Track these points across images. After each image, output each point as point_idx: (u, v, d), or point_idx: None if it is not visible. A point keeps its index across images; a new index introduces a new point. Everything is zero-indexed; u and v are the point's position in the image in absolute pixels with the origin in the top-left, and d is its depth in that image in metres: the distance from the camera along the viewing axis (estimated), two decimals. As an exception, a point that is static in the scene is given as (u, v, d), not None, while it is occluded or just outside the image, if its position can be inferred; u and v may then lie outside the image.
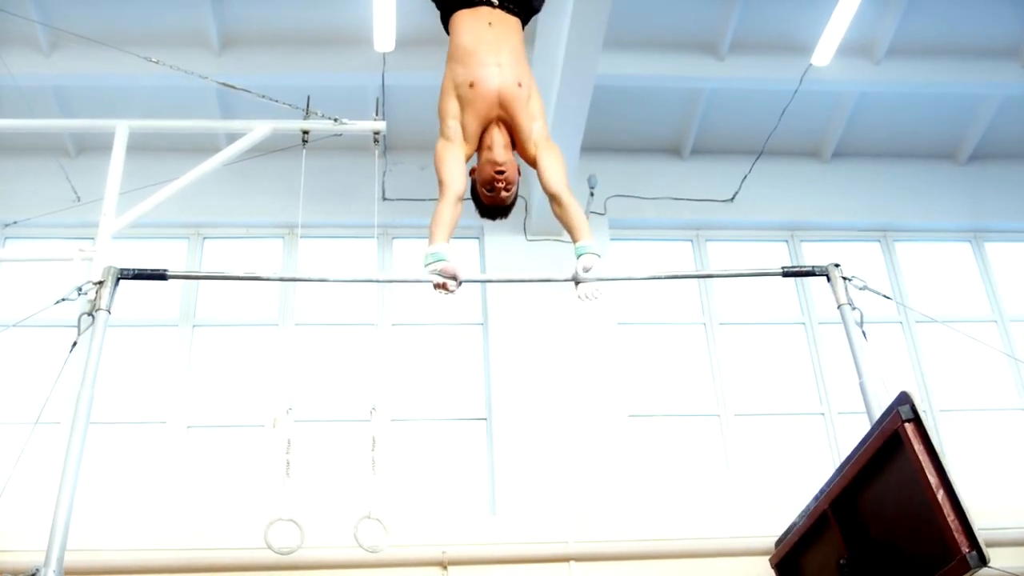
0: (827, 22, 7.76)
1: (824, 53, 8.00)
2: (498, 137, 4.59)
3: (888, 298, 4.83)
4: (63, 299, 4.63)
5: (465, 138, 4.67)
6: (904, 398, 3.67)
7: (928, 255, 9.29)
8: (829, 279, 4.73)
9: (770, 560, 5.43)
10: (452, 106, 4.71)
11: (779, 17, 8.33)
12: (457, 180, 4.58)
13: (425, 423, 8.04)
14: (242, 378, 8.15)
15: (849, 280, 4.70)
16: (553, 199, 4.61)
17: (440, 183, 4.65)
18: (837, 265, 4.77)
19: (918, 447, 3.53)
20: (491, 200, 4.66)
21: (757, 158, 8.98)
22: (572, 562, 7.18)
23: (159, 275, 4.78)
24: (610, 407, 8.00)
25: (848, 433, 8.01)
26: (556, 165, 4.64)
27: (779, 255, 9.11)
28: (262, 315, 8.47)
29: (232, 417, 7.96)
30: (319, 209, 8.48)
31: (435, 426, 8.04)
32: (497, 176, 4.56)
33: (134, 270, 4.70)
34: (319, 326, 8.45)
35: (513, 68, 4.65)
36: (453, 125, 4.69)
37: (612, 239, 8.84)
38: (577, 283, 4.49)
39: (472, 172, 4.73)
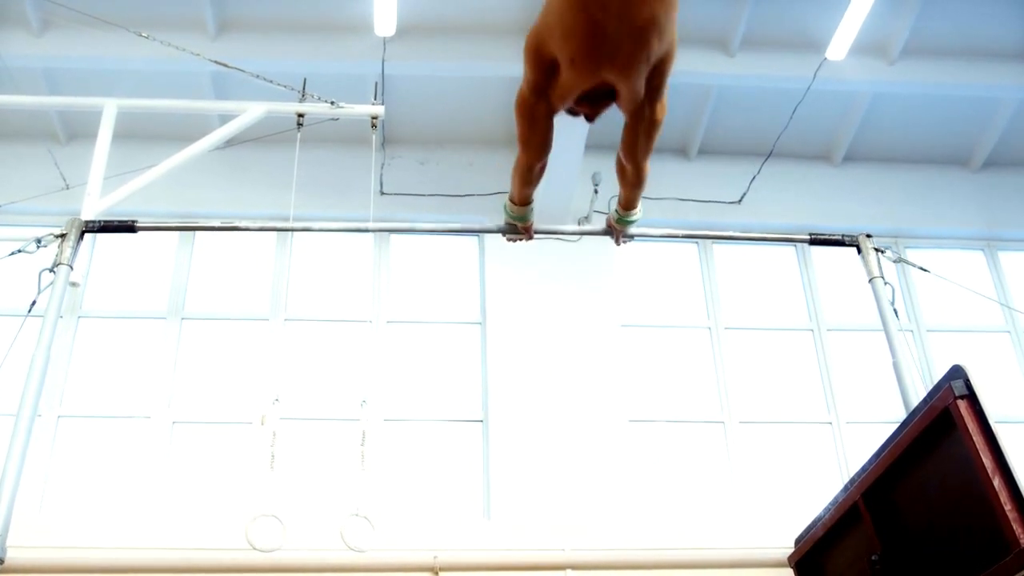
0: (841, 20, 7.59)
1: (838, 49, 7.82)
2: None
3: (925, 270, 4.51)
4: (19, 251, 4.30)
5: (555, 97, 3.63)
6: (957, 372, 3.35)
7: (940, 263, 9.00)
8: (860, 250, 4.40)
9: (789, 559, 5.13)
10: (543, 60, 3.51)
11: (792, 14, 8.16)
12: (541, 150, 3.96)
13: (420, 424, 7.79)
14: (231, 374, 7.91)
15: (882, 252, 4.36)
16: (621, 162, 4.13)
17: (522, 143, 3.96)
18: (869, 236, 4.45)
19: (972, 427, 3.21)
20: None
21: (766, 160, 8.77)
22: (569, 570, 6.97)
23: (127, 227, 4.48)
24: (611, 411, 7.77)
25: (857, 443, 7.81)
26: (644, 137, 3.88)
27: (787, 259, 8.85)
28: (252, 309, 8.21)
29: (219, 413, 7.72)
30: (314, 202, 8.24)
31: (430, 427, 7.80)
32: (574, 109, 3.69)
33: (100, 222, 4.38)
34: (312, 322, 8.19)
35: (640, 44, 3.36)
36: (542, 83, 3.60)
37: (615, 239, 8.58)
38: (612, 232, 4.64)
39: None
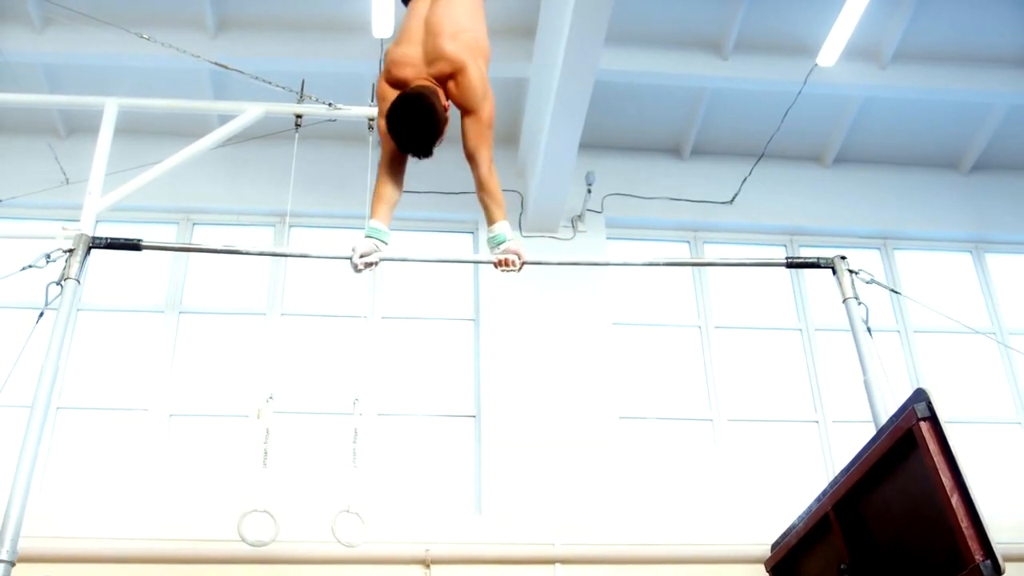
0: (833, 24, 7.66)
1: (830, 54, 7.90)
2: None
3: (896, 292, 4.67)
4: (29, 266, 4.43)
5: None
6: (920, 395, 3.50)
7: (928, 265, 9.15)
8: (835, 272, 4.57)
9: (765, 564, 5.26)
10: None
11: (785, 17, 8.22)
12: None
13: (413, 419, 7.88)
14: (227, 367, 7.99)
15: (856, 274, 4.52)
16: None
17: None
18: (843, 258, 4.60)
19: (933, 447, 3.36)
20: None
21: (758, 161, 8.86)
22: (558, 564, 7.07)
23: (132, 245, 4.58)
24: (602, 408, 7.85)
25: (842, 442, 7.92)
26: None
27: (776, 259, 8.94)
28: (249, 304, 8.31)
29: (215, 407, 7.80)
30: (311, 199, 8.35)
31: (423, 422, 7.89)
32: None
33: (107, 239, 4.50)
34: (307, 316, 8.28)
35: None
36: None
37: (608, 238, 8.71)
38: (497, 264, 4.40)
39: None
